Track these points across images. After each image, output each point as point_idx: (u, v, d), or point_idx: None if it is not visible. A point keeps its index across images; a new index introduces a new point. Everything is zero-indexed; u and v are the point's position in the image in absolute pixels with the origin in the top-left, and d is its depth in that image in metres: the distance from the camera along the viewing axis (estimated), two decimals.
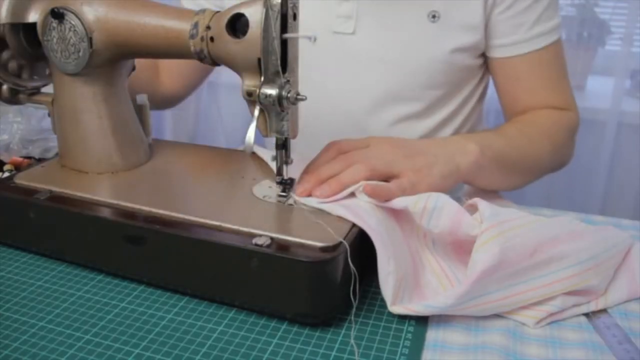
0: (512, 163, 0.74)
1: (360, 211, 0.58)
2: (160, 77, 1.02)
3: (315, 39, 0.56)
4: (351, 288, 0.54)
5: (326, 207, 0.59)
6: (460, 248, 0.61)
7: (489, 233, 0.55)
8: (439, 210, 0.57)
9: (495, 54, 0.86)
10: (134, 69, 0.73)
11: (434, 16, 0.83)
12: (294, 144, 0.98)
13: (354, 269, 0.54)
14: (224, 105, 1.87)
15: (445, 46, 0.85)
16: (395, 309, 0.55)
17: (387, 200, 0.60)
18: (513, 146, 0.75)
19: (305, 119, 0.92)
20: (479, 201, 0.59)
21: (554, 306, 0.56)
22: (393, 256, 0.55)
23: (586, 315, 0.57)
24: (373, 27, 0.86)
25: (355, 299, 0.54)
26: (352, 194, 0.60)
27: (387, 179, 0.63)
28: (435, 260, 0.61)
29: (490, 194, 0.76)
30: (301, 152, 0.97)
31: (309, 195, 0.61)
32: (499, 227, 0.55)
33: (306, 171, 0.64)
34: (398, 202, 0.59)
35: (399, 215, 0.60)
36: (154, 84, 1.00)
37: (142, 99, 0.78)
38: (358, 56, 0.88)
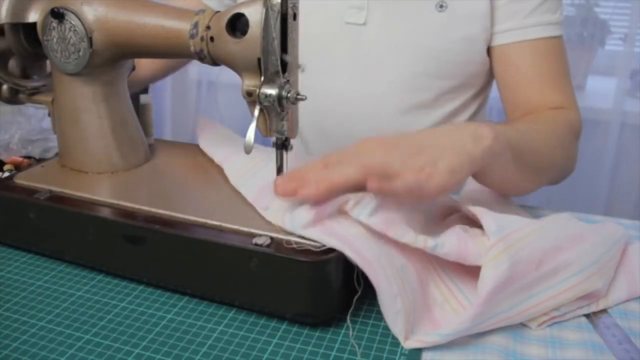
0: (526, 156, 0.68)
1: (355, 240, 0.53)
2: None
3: (304, 69, 0.56)
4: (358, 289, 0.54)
5: (315, 235, 0.54)
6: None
7: (497, 248, 0.53)
8: (440, 247, 0.54)
9: (493, 42, 0.87)
10: (133, 68, 0.73)
11: (441, 6, 0.85)
12: (305, 135, 0.99)
13: (358, 269, 0.54)
14: (224, 105, 1.87)
15: (453, 35, 0.86)
16: (410, 343, 0.53)
17: (393, 195, 0.55)
18: (525, 139, 0.69)
19: (316, 110, 0.94)
20: (482, 213, 0.57)
21: (558, 310, 0.56)
22: (399, 292, 0.52)
23: (586, 315, 0.57)
24: (383, 17, 0.88)
25: (354, 300, 0.54)
26: (343, 213, 0.56)
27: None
28: (438, 276, 0.59)
29: (492, 193, 0.73)
30: (312, 142, 0.99)
31: (293, 195, 0.55)
32: (506, 241, 0.54)
33: (289, 177, 0.58)
34: (396, 235, 0.54)
35: None
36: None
37: (145, 98, 0.78)
38: (369, 46, 0.90)
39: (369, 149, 0.58)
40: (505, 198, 0.74)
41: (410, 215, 0.58)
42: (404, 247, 0.56)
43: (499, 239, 0.54)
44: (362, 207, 0.55)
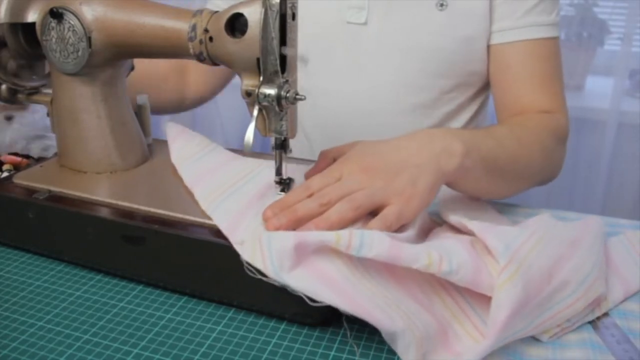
0: (501, 167, 0.68)
1: (345, 284, 0.51)
2: (188, 78, 1.04)
3: (307, 63, 0.56)
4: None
5: (302, 284, 0.50)
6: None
7: (509, 270, 0.51)
8: (454, 274, 0.52)
9: (489, 41, 0.87)
10: (132, 69, 0.73)
11: (441, 5, 0.85)
12: (309, 134, 1.00)
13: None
14: (223, 105, 1.87)
15: (453, 34, 0.86)
16: None
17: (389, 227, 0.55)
18: (503, 148, 0.69)
19: (318, 109, 0.94)
20: (483, 232, 0.55)
21: (569, 321, 0.55)
22: (407, 326, 0.49)
23: None
24: (384, 17, 0.89)
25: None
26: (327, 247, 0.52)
27: (373, 211, 0.58)
28: (445, 290, 0.56)
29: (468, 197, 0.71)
30: (315, 141, 0.99)
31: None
32: (516, 260, 0.52)
33: (277, 207, 0.58)
34: (406, 262, 0.51)
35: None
36: (182, 85, 1.03)
37: (142, 99, 0.78)
38: (370, 46, 0.90)
39: (352, 171, 0.60)
40: (483, 203, 0.72)
41: (403, 234, 0.57)
42: (395, 273, 0.54)
43: (509, 260, 0.52)
44: (359, 243, 0.52)
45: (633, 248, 0.65)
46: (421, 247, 0.53)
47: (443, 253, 0.53)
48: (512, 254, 0.53)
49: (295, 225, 0.56)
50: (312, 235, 0.52)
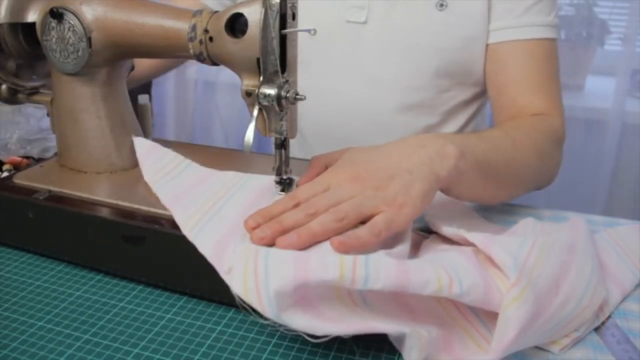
0: (496, 169, 0.66)
1: (343, 318, 0.49)
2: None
3: (315, 32, 0.54)
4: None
5: (300, 323, 0.47)
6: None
7: (520, 285, 0.49)
8: (465, 296, 0.49)
9: (487, 41, 0.87)
10: (132, 68, 0.73)
11: (441, 5, 0.85)
12: (306, 134, 1.00)
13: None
14: (224, 106, 1.87)
15: (453, 34, 0.86)
16: None
17: (361, 249, 0.51)
18: (497, 150, 0.68)
19: (317, 108, 0.94)
20: (488, 245, 0.53)
21: (577, 330, 0.54)
22: (412, 331, 0.48)
23: None
24: (384, 16, 0.89)
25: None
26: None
27: (362, 222, 0.54)
28: (454, 305, 0.55)
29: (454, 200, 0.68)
30: (313, 140, 0.99)
31: (269, 244, 0.52)
32: (526, 274, 0.50)
33: (260, 216, 0.55)
34: (416, 290, 0.49)
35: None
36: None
37: (144, 99, 0.78)
38: (369, 45, 0.90)
39: (340, 181, 0.57)
40: (463, 204, 0.71)
41: (395, 249, 0.54)
42: (396, 295, 0.52)
43: (520, 274, 0.50)
44: (365, 275, 0.48)
45: (618, 246, 0.64)
46: (429, 269, 0.50)
47: (452, 273, 0.50)
48: (521, 268, 0.51)
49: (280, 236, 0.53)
50: (313, 272, 0.48)
